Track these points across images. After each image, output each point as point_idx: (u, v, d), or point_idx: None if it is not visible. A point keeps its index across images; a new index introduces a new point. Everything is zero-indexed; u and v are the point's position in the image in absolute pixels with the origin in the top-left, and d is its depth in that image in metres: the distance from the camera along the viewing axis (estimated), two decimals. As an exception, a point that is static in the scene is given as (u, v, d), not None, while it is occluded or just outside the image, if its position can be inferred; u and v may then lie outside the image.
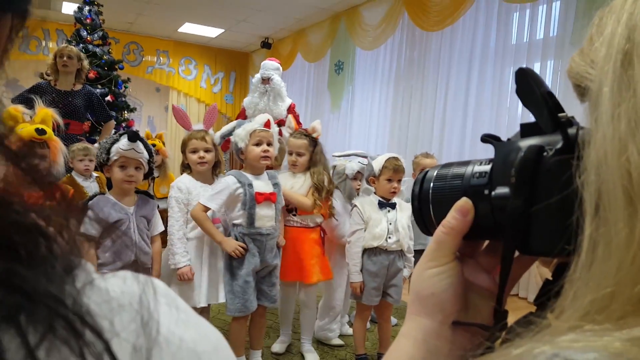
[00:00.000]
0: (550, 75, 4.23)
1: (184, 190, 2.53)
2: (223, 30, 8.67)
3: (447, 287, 0.45)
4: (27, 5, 0.31)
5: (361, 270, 2.66)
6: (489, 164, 0.43)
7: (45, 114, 2.19)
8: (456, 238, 0.44)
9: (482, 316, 0.47)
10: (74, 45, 5.37)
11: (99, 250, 2.19)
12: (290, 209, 2.80)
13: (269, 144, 2.47)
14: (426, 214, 0.48)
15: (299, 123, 4.65)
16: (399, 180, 2.68)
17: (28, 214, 0.26)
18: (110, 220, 2.18)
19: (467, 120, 5.01)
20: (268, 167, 2.63)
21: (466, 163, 0.46)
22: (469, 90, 5.02)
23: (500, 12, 4.71)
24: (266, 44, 8.99)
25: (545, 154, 0.38)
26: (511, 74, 4.61)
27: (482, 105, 4.84)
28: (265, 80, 4.47)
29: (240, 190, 2.39)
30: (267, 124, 2.51)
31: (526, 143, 0.39)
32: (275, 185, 2.53)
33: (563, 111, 0.39)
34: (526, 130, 0.41)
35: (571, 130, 0.37)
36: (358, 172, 3.03)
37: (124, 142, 2.22)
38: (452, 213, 0.44)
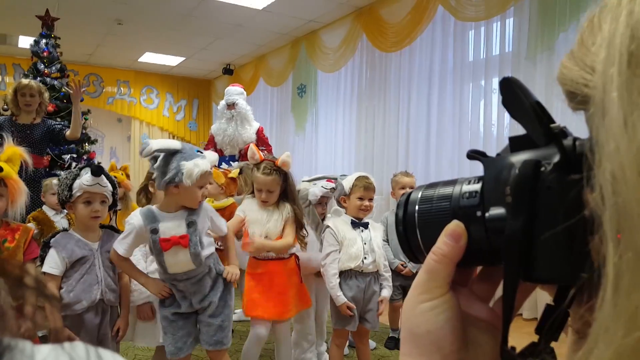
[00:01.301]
0: (509, 90, 4.39)
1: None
2: (184, 59, 8.64)
3: (443, 322, 0.40)
4: None
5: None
6: (478, 182, 0.40)
7: (13, 152, 2.10)
8: (449, 266, 0.40)
9: (483, 352, 0.42)
10: (32, 79, 5.26)
11: (62, 290, 2.10)
12: None
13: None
14: (413, 239, 0.43)
15: (268, 145, 4.67)
16: (371, 199, 2.66)
17: None
18: (73, 258, 2.12)
19: (431, 136, 5.11)
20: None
21: (453, 182, 0.42)
22: (430, 107, 5.13)
23: (456, 31, 4.86)
24: (228, 70, 9.00)
25: (542, 169, 0.34)
26: (470, 90, 4.74)
27: (444, 121, 4.95)
28: (231, 106, 4.49)
29: (147, 235, 2.10)
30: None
31: (519, 158, 0.36)
32: (191, 224, 2.13)
33: (554, 121, 0.36)
34: (516, 144, 0.38)
35: (567, 142, 0.34)
36: (322, 196, 2.98)
37: (87, 177, 2.12)
38: (443, 238, 0.39)
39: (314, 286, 2.98)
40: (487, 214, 0.37)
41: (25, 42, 6.99)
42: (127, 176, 4.15)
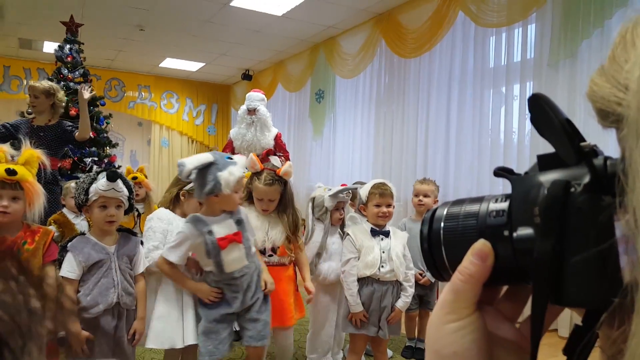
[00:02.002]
0: (530, 97, 4.30)
1: (165, 220, 2.49)
2: (204, 64, 8.73)
3: (470, 344, 0.39)
4: None
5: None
6: (505, 200, 0.39)
7: (30, 155, 2.11)
8: (476, 286, 0.39)
9: None
10: (55, 83, 5.35)
11: (79, 293, 2.12)
12: (265, 249, 2.65)
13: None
14: (438, 257, 0.42)
15: (285, 151, 4.69)
16: (389, 205, 2.66)
17: None
18: (90, 261, 2.13)
19: (450, 143, 5.05)
20: None
21: (479, 199, 0.41)
22: (449, 113, 5.08)
23: (477, 37, 4.80)
24: (247, 76, 9.07)
25: (572, 190, 0.34)
26: (491, 96, 4.68)
27: (464, 128, 4.90)
28: (251, 112, 4.50)
29: (200, 239, 2.21)
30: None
31: (548, 178, 0.36)
32: (239, 222, 2.29)
33: (584, 140, 0.36)
34: (545, 162, 0.38)
35: (597, 162, 0.34)
36: (338, 202, 2.95)
37: (102, 182, 2.14)
38: (470, 258, 0.39)
39: (338, 294, 2.98)
40: (514, 234, 0.37)
41: (49, 47, 7.15)
42: (145, 176, 4.18)
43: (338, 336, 3.13)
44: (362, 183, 3.63)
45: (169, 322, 2.38)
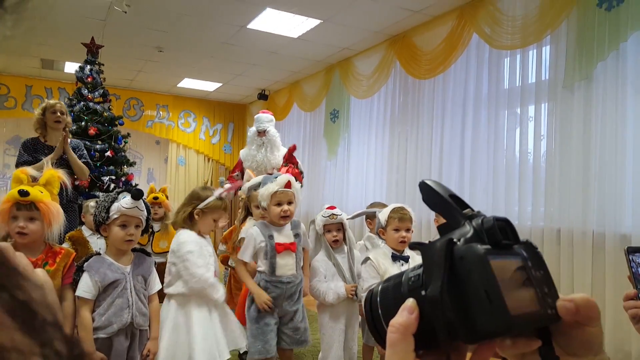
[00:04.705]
0: (545, 118, 4.24)
1: (197, 243, 2.56)
2: (221, 84, 8.85)
3: None
4: None
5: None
6: (420, 267, 0.46)
7: (51, 175, 2.12)
8: (407, 335, 0.43)
9: None
10: (75, 104, 5.47)
11: (94, 313, 2.13)
12: None
13: (289, 203, 2.73)
14: (380, 328, 0.48)
15: (294, 161, 4.68)
16: (408, 229, 2.66)
17: None
18: (106, 282, 2.14)
19: (465, 164, 5.03)
20: None
21: (403, 273, 0.48)
22: (464, 134, 5.06)
23: (491, 59, 4.80)
24: (263, 96, 9.17)
25: (456, 244, 0.42)
26: (505, 117, 4.65)
27: (479, 149, 4.87)
28: (261, 133, 4.55)
29: (263, 242, 2.66)
30: (288, 185, 2.74)
31: (442, 240, 0.43)
32: (297, 235, 2.76)
33: (467, 207, 0.46)
34: (443, 230, 0.46)
35: (476, 221, 0.43)
36: (325, 224, 2.95)
37: (126, 200, 2.16)
38: (398, 312, 0.44)
39: (345, 314, 2.95)
40: (427, 292, 0.43)
41: (71, 67, 7.32)
42: (167, 197, 4.22)
43: (349, 358, 3.09)
44: (382, 204, 3.59)
45: (206, 344, 2.47)
